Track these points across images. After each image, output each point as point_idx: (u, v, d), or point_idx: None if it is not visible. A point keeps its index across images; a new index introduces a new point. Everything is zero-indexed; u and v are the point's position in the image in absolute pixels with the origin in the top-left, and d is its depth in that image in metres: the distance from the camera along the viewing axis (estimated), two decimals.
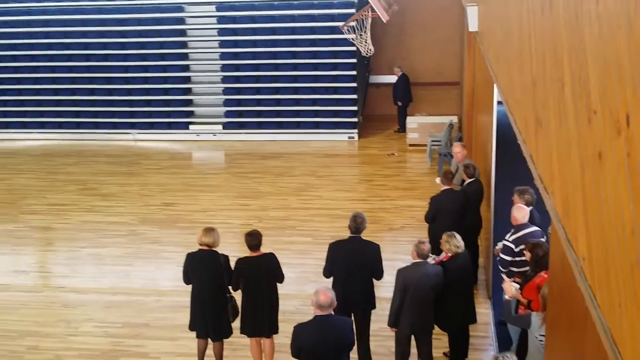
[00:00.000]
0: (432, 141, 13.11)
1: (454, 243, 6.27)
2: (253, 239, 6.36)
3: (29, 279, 8.82)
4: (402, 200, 11.21)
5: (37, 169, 13.81)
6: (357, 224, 6.44)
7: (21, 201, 11.82)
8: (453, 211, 7.64)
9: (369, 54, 13.16)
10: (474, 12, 8.67)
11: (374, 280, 6.46)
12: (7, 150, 15.74)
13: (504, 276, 6.12)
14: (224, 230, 9.34)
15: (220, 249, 6.45)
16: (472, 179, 7.94)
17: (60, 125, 16.35)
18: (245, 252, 6.47)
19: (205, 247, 6.36)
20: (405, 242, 8.98)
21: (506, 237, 6.59)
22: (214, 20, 16.11)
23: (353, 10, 14.70)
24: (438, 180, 8.27)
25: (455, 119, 14.03)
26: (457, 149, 8.95)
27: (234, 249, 8.07)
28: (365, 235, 6.52)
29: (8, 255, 9.53)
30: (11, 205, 11.65)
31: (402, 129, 15.14)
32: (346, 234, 6.52)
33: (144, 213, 11.02)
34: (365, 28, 12.74)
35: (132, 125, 16.10)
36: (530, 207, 6.72)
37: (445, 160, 11.92)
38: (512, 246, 6.47)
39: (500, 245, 6.71)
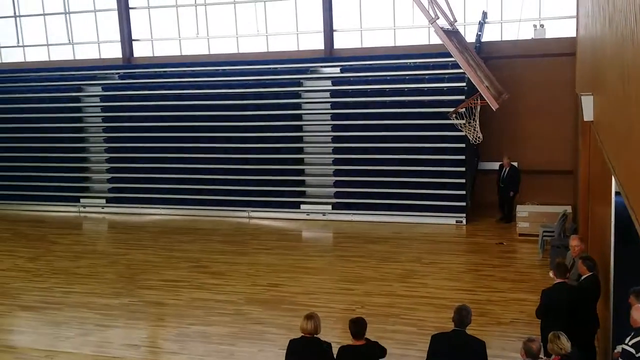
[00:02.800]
0: (544, 231, 12.60)
1: (558, 344, 5.87)
2: (357, 326, 6.27)
3: (140, 353, 9.14)
4: (512, 292, 10.74)
5: (155, 245, 14.59)
6: (461, 317, 6.23)
7: (138, 276, 12.47)
8: (566, 307, 7.21)
9: (477, 142, 13.08)
10: (589, 101, 8.46)
11: None
12: (130, 224, 16.89)
13: None
14: (326, 315, 9.36)
15: (322, 335, 6.41)
16: (590, 274, 7.51)
17: (182, 202, 17.38)
18: (348, 339, 6.40)
19: (307, 335, 6.34)
20: (514, 339, 8.56)
21: (626, 341, 6.11)
22: (327, 106, 16.85)
23: (462, 97, 14.81)
24: (551, 273, 7.89)
25: (569, 208, 13.48)
26: (574, 242, 8.56)
27: (334, 335, 8.01)
28: (471, 329, 6.28)
29: (122, 329, 9.98)
30: (129, 279, 12.32)
31: (507, 219, 14.77)
32: (452, 325, 6.32)
33: (250, 293, 11.25)
34: (475, 116, 12.73)
35: (248, 204, 16.81)
36: None
37: (559, 252, 11.36)
38: (632, 351, 5.96)
39: (619, 349, 6.22)
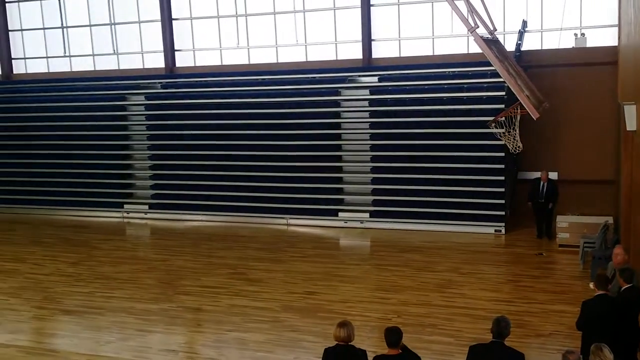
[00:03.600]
0: (585, 242, 12.36)
1: (600, 356, 5.73)
2: (392, 335, 6.25)
3: (178, 358, 9.28)
4: (551, 304, 10.55)
5: (194, 252, 14.81)
6: (500, 328, 6.15)
7: (177, 282, 12.67)
8: (607, 320, 7.06)
9: (517, 151, 12.93)
10: (632, 110, 8.32)
11: None
12: (171, 230, 17.24)
13: None
14: (361, 324, 9.38)
15: (357, 343, 6.42)
16: (630, 285, 7.34)
17: (221, 209, 17.66)
18: (384, 348, 6.39)
19: (341, 342, 6.35)
20: (554, 351, 8.42)
21: None
22: (366, 115, 16.90)
23: (502, 106, 14.69)
24: (592, 285, 7.74)
25: (610, 219, 13.19)
26: (617, 250, 8.40)
27: (370, 344, 8.01)
28: (509, 341, 6.20)
29: (161, 334, 10.15)
30: (168, 285, 12.53)
31: (548, 234, 14.40)
32: (489, 337, 6.25)
33: (286, 300, 11.32)
34: (514, 125, 12.59)
35: (286, 211, 16.96)
36: None
37: (600, 263, 11.13)
38: None
39: None
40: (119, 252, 15.09)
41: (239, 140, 17.82)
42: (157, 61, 20.49)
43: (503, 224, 15.22)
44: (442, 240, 14.98)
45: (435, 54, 17.57)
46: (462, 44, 17.29)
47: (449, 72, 16.58)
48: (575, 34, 16.23)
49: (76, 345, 9.75)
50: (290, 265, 13.43)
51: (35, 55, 22.31)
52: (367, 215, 16.46)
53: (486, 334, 6.84)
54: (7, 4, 22.10)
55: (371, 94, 16.94)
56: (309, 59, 18.88)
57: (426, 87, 16.41)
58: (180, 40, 20.27)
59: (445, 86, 16.27)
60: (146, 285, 12.56)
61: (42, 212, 19.66)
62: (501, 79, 12.68)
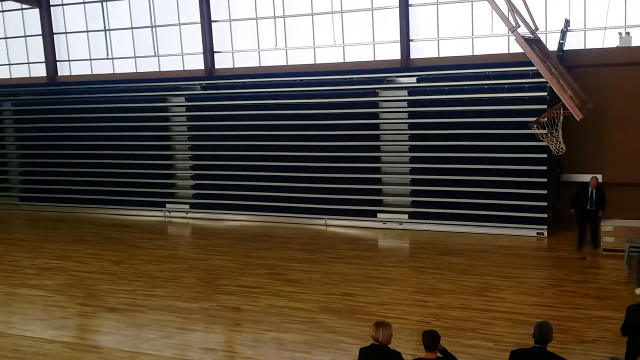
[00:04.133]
0: (631, 247, 12.06)
1: None
2: (430, 338, 6.21)
3: (217, 357, 9.38)
4: (595, 309, 10.32)
5: (232, 252, 14.96)
6: (542, 333, 6.05)
7: (216, 281, 12.82)
8: None
9: (559, 153, 12.68)
10: None
11: None
12: (211, 229, 17.52)
13: None
14: (399, 327, 9.33)
15: (395, 346, 6.40)
16: None
17: (261, 209, 17.83)
18: (422, 352, 6.34)
19: (377, 343, 6.34)
20: (598, 358, 8.27)
21: None
22: (404, 115, 16.84)
23: (544, 107, 14.44)
24: (638, 290, 7.56)
25: None
26: None
27: (408, 347, 7.96)
28: (551, 347, 6.09)
29: (201, 332, 10.28)
30: (208, 284, 12.69)
31: (594, 243, 13.76)
32: (531, 342, 6.16)
33: (324, 301, 11.34)
34: (557, 126, 12.36)
35: (325, 212, 17.04)
36: None
37: None
38: None
39: None
40: (161, 251, 15.34)
41: (278, 141, 17.93)
42: (196, 63, 20.75)
43: (546, 227, 14.98)
44: (483, 242, 14.81)
45: (474, 54, 17.37)
46: (503, 44, 17.05)
47: (489, 72, 16.37)
48: (620, 33, 15.83)
49: (118, 342, 9.94)
50: (328, 266, 13.45)
51: (79, 57, 22.83)
52: (406, 216, 16.40)
53: (528, 339, 6.74)
54: (52, 7, 22.66)
55: (410, 94, 16.85)
56: (346, 60, 18.87)
57: (466, 87, 16.24)
58: (219, 42, 20.49)
59: (486, 87, 16.07)
60: (187, 284, 12.75)
61: (86, 211, 20.13)
62: (543, 80, 12.47)
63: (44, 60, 22.99)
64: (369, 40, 18.61)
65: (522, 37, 11.34)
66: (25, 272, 13.98)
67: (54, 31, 22.90)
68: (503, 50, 16.99)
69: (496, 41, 17.10)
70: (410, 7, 17.85)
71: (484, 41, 17.32)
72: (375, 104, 17.35)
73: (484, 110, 15.84)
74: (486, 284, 11.89)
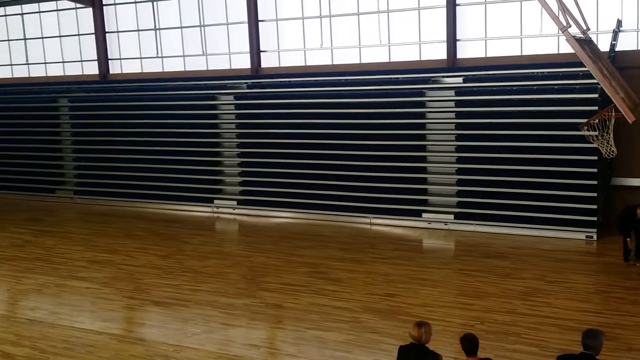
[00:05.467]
0: None
1: None
2: (469, 342, 6.17)
3: (260, 353, 9.49)
4: None
5: (275, 249, 15.08)
6: (591, 340, 5.93)
7: (259, 278, 12.96)
8: None
9: (611, 156, 12.37)
10: None
11: None
12: (256, 226, 17.78)
13: None
14: (442, 329, 9.28)
15: (438, 349, 6.37)
16: None
17: (306, 206, 17.97)
18: (464, 355, 6.30)
19: (415, 342, 6.32)
20: None
21: None
22: (451, 115, 16.68)
23: (595, 109, 14.12)
24: None
25: None
26: None
27: (451, 350, 7.90)
28: (599, 354, 5.98)
29: (243, 328, 10.41)
30: (251, 281, 12.84)
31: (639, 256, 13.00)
32: (577, 348, 6.04)
33: (366, 301, 11.34)
34: (608, 128, 12.05)
35: (370, 210, 17.02)
36: None
37: None
38: None
39: None
40: (206, 247, 15.57)
41: (324, 140, 18.02)
42: (243, 62, 20.97)
43: (595, 230, 14.64)
44: (529, 245, 14.56)
45: (523, 54, 17.08)
46: (552, 44, 16.71)
47: (537, 72, 16.07)
48: None
49: (164, 335, 10.15)
50: (370, 266, 13.44)
51: (129, 56, 23.36)
52: (452, 217, 16.25)
53: (574, 345, 6.63)
54: (104, 7, 23.24)
55: (457, 94, 16.68)
56: (392, 60, 18.80)
57: (514, 88, 15.99)
58: (265, 41, 20.67)
59: (535, 87, 15.79)
60: (231, 280, 12.92)
61: (136, 206, 20.59)
62: (594, 81, 12.17)
63: (96, 58, 23.61)
64: (415, 40, 18.49)
65: (573, 37, 11.10)
66: (75, 264, 14.40)
67: (106, 30, 23.47)
68: (552, 50, 16.65)
69: (545, 41, 16.77)
70: (457, 7, 17.66)
71: (532, 41, 17.01)
72: (421, 104, 17.25)
73: (533, 111, 15.58)
74: (531, 288, 11.69)
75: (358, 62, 19.25)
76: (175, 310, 11.30)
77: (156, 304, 11.66)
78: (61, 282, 13.13)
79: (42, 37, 24.95)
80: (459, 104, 16.61)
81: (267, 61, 20.77)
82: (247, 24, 20.54)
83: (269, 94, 19.29)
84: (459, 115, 16.61)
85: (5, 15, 25.80)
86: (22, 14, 25.28)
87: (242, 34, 20.82)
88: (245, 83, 19.95)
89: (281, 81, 19.50)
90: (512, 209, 15.55)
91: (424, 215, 16.59)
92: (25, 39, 25.45)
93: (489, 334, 9.48)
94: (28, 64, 25.64)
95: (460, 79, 16.84)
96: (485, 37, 17.62)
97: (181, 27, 22.01)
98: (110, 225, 18.33)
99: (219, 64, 21.53)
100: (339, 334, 9.96)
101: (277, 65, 20.59)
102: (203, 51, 21.74)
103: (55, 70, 24.92)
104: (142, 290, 12.44)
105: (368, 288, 12.04)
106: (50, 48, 24.88)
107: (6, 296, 12.76)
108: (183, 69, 22.15)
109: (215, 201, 19.52)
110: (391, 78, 17.85)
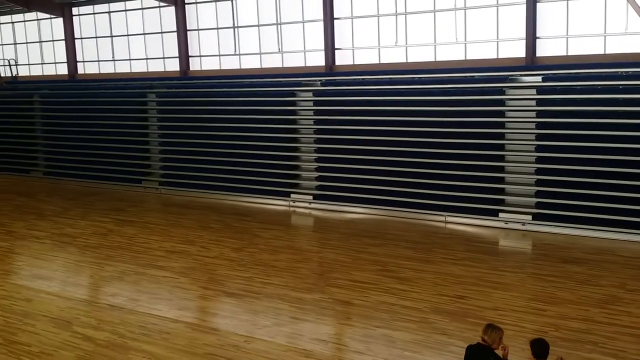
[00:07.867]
0: None
1: None
2: (538, 347, 6.09)
3: (328, 348, 9.60)
4: None
5: (344, 246, 15.16)
6: None
7: (328, 274, 13.08)
8: None
9: None
10: None
11: None
12: (329, 221, 17.97)
13: None
14: (514, 334, 9.11)
15: (511, 355, 6.27)
16: None
17: (380, 202, 17.95)
18: None
19: (483, 343, 6.31)
20: None
21: None
22: (530, 114, 16.30)
23: None
24: None
25: None
26: None
27: (523, 356, 7.73)
28: None
29: (312, 323, 10.55)
30: (320, 277, 12.98)
31: None
32: None
33: (436, 302, 11.25)
34: None
35: (445, 208, 16.91)
36: None
37: None
38: None
39: None
40: (278, 242, 15.83)
41: (400, 136, 17.97)
42: (318, 59, 21.15)
43: None
44: (610, 250, 14.01)
45: (607, 52, 16.42)
46: (638, 43, 15.97)
47: (622, 72, 15.43)
48: None
49: (235, 326, 10.42)
50: (440, 267, 13.30)
51: (209, 53, 24.00)
52: (530, 217, 15.81)
53: None
54: (186, 5, 23.97)
55: (538, 93, 16.24)
56: (467, 57, 18.50)
57: (599, 87, 15.42)
58: (340, 38, 20.77)
59: (620, 87, 15.17)
60: (301, 275, 13.09)
61: (214, 197, 21.17)
62: None
63: (177, 55, 24.39)
64: (492, 38, 18.11)
65: None
66: (154, 254, 14.98)
67: (188, 28, 24.20)
68: (639, 49, 15.93)
69: (631, 39, 16.06)
70: (537, 4, 17.18)
71: (617, 39, 16.33)
72: (500, 102, 16.90)
73: (617, 111, 14.99)
74: (610, 295, 11.27)
75: (433, 59, 19.04)
76: (246, 302, 11.57)
77: (229, 295, 11.98)
78: (141, 270, 13.69)
79: (128, 35, 26.02)
80: (540, 102, 16.16)
81: (342, 59, 20.87)
82: (322, 22, 20.70)
83: (343, 91, 19.40)
84: (539, 114, 16.16)
85: (94, 14, 27.07)
86: (109, 12, 26.45)
87: (317, 31, 21.00)
88: (319, 80, 20.12)
89: (354, 79, 19.56)
90: (593, 211, 15.01)
91: (501, 215, 16.24)
92: (112, 36, 26.62)
93: (563, 341, 9.22)
94: (114, 60, 26.81)
95: (539, 78, 16.39)
96: (567, 34, 17.05)
97: (259, 25, 22.42)
98: (188, 217, 18.89)
99: (294, 61, 21.80)
100: (407, 334, 9.93)
101: (352, 63, 20.65)
102: (279, 49, 22.08)
103: (139, 67, 25.94)
104: (215, 281, 12.80)
105: (437, 289, 11.93)
106: (135, 45, 25.92)
107: (89, 282, 13.44)
108: (259, 66, 22.57)
109: (292, 195, 19.80)
110: (466, 76, 17.57)
